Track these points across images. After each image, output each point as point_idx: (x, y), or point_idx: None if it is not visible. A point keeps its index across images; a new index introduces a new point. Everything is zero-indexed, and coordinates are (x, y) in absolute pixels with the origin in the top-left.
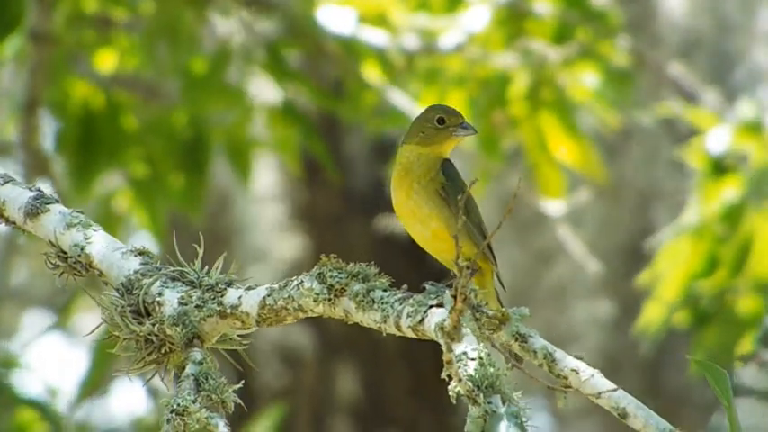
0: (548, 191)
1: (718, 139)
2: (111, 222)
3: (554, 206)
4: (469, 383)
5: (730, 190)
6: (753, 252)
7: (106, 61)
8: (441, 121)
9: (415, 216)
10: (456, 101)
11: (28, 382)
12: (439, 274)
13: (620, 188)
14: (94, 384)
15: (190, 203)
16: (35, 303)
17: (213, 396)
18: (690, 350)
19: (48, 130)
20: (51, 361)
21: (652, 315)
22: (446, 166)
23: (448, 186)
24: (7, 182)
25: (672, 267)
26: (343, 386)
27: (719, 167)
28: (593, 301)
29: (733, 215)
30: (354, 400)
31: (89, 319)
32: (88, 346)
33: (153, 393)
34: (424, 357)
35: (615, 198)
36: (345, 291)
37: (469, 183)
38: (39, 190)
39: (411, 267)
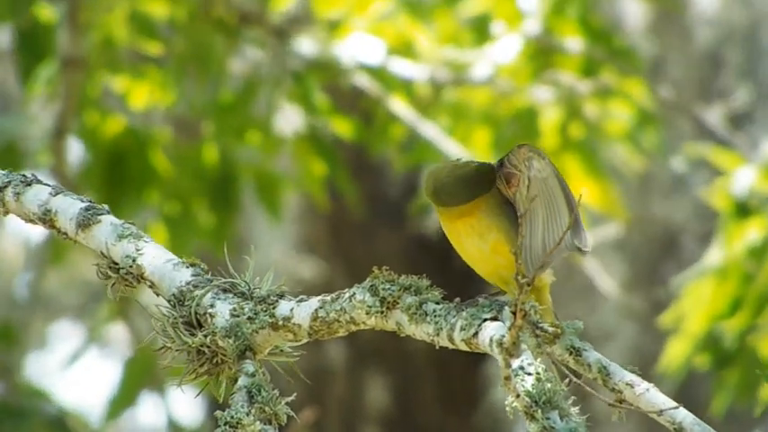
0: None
1: (742, 179)
2: None
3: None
4: (527, 399)
5: (754, 231)
6: None
7: (138, 96)
8: None
9: (474, 230)
10: (482, 136)
11: (56, 402)
12: (464, 280)
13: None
14: (125, 402)
15: (218, 241)
16: (64, 313)
17: (266, 408)
18: (712, 391)
19: (76, 161)
20: (83, 373)
21: (674, 355)
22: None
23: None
24: (59, 193)
25: (694, 308)
26: (373, 396)
27: (744, 208)
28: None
29: (757, 256)
30: (384, 409)
31: (120, 330)
32: (120, 360)
33: (172, 423)
34: (454, 366)
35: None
36: (398, 303)
37: (530, 197)
38: (90, 201)
39: (439, 274)
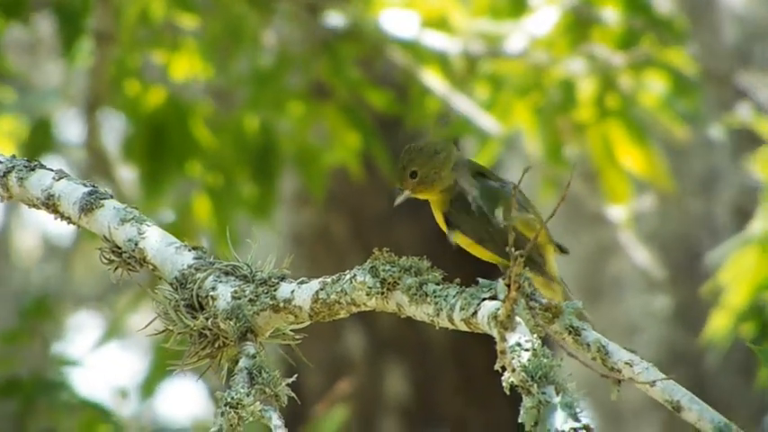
0: (614, 197)
1: None
2: (188, 232)
3: (616, 210)
4: (523, 374)
5: None
6: None
7: (178, 68)
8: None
9: None
10: (521, 110)
11: (87, 384)
12: (487, 271)
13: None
14: (156, 384)
15: (261, 212)
16: (83, 303)
17: (267, 389)
18: (756, 362)
19: (113, 134)
20: (103, 361)
21: (718, 325)
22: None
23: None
24: (62, 177)
25: (737, 277)
26: (392, 386)
27: None
28: (651, 295)
29: None
30: (403, 400)
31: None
32: (144, 346)
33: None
34: (473, 355)
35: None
36: (398, 284)
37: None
38: (93, 185)
39: (459, 265)
